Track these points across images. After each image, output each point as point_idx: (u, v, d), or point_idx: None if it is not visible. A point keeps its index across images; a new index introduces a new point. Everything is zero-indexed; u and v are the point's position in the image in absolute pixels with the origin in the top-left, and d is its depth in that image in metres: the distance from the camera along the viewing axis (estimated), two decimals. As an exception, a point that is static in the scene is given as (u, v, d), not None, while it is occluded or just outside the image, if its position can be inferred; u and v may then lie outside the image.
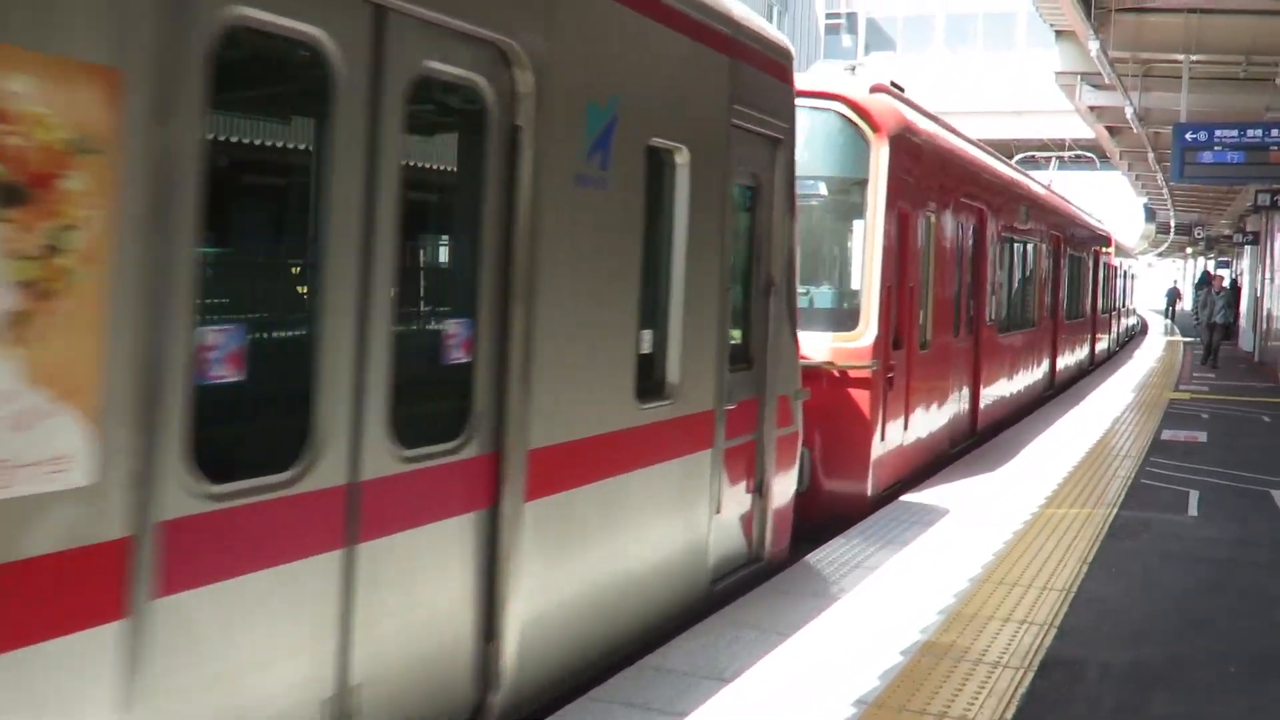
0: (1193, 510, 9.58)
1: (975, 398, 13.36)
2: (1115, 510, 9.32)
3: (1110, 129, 26.74)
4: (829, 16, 52.95)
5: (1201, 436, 14.13)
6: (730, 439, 6.38)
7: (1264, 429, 15.45)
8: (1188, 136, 16.91)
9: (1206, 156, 16.82)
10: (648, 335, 5.62)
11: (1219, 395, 19.68)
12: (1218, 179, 18.77)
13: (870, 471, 9.25)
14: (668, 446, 5.69)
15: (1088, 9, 15.83)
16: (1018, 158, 29.37)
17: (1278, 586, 7.27)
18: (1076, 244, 22.06)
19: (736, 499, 6.60)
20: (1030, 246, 16.85)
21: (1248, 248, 34.47)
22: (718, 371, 6.22)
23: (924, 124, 11.01)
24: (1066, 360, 21.50)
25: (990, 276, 13.64)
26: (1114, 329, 32.67)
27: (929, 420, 11.11)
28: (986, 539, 8.00)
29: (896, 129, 9.75)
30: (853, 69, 10.30)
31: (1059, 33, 20.37)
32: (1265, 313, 28.95)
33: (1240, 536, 8.66)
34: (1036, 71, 32.54)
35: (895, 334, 9.73)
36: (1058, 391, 19.77)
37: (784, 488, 7.19)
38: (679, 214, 5.86)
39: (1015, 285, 15.94)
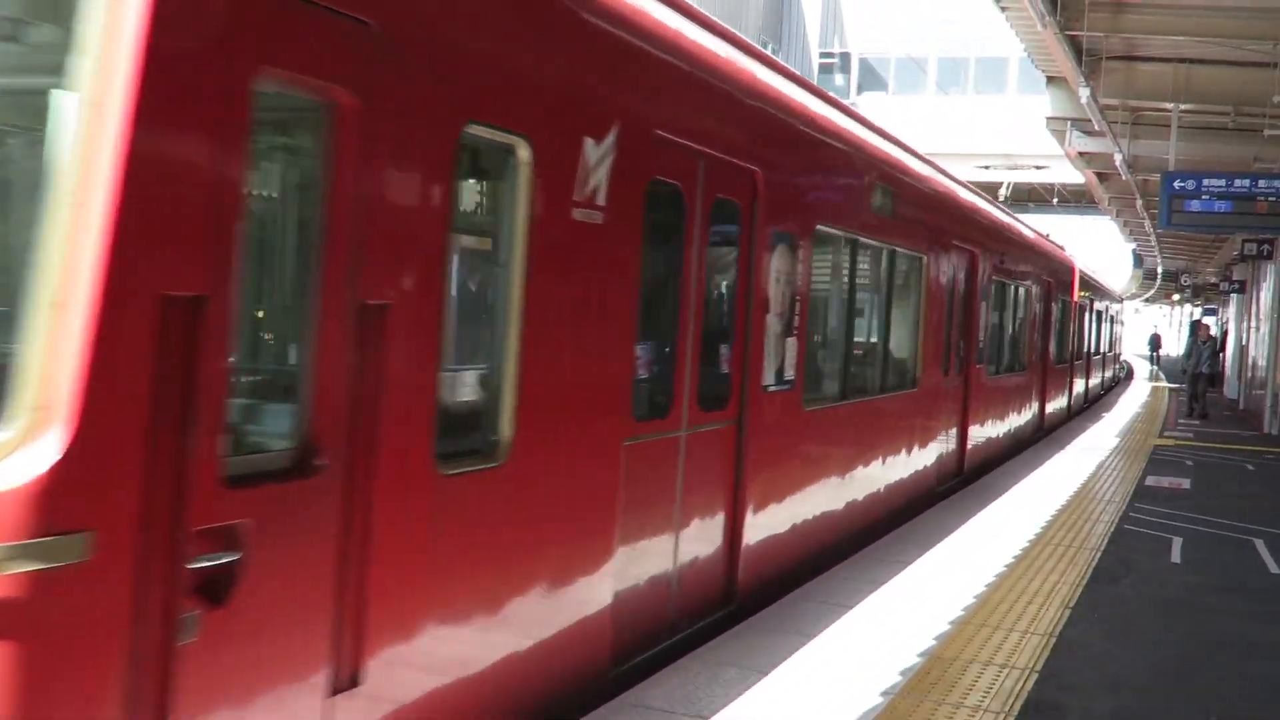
0: (1175, 557, 9.57)
1: (730, 533, 6.75)
2: (1098, 555, 9.31)
3: (1099, 175, 26.93)
4: (822, 55, 53.29)
5: (1185, 483, 14.15)
6: None
7: (1248, 477, 15.48)
8: (1176, 185, 17.02)
9: (1194, 205, 16.93)
10: None
11: (1203, 442, 19.73)
12: (1205, 227, 18.91)
13: None
14: None
15: (1079, 56, 15.97)
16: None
17: (1259, 636, 7.26)
18: (1013, 272, 15.81)
19: None
20: (902, 260, 10.46)
21: (1234, 296, 34.64)
22: None
23: None
24: (992, 429, 14.97)
25: (778, 305, 7.14)
26: (1080, 383, 26.05)
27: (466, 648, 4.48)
28: None
29: None
30: None
31: (1050, 78, 20.52)
32: (1250, 361, 29.08)
33: (1223, 584, 8.65)
34: (1027, 116, 32.74)
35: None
36: (972, 478, 13.70)
37: None
38: None
39: (861, 322, 9.76)
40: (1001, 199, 22.42)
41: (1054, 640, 6.71)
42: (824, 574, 8.09)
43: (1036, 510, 11.26)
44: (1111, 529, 10.55)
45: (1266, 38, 14.93)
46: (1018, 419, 17.11)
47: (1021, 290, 16.88)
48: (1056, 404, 21.62)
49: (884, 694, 5.56)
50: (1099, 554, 9.35)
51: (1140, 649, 6.75)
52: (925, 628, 6.78)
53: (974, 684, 5.81)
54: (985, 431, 14.53)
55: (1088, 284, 26.41)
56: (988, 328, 14.26)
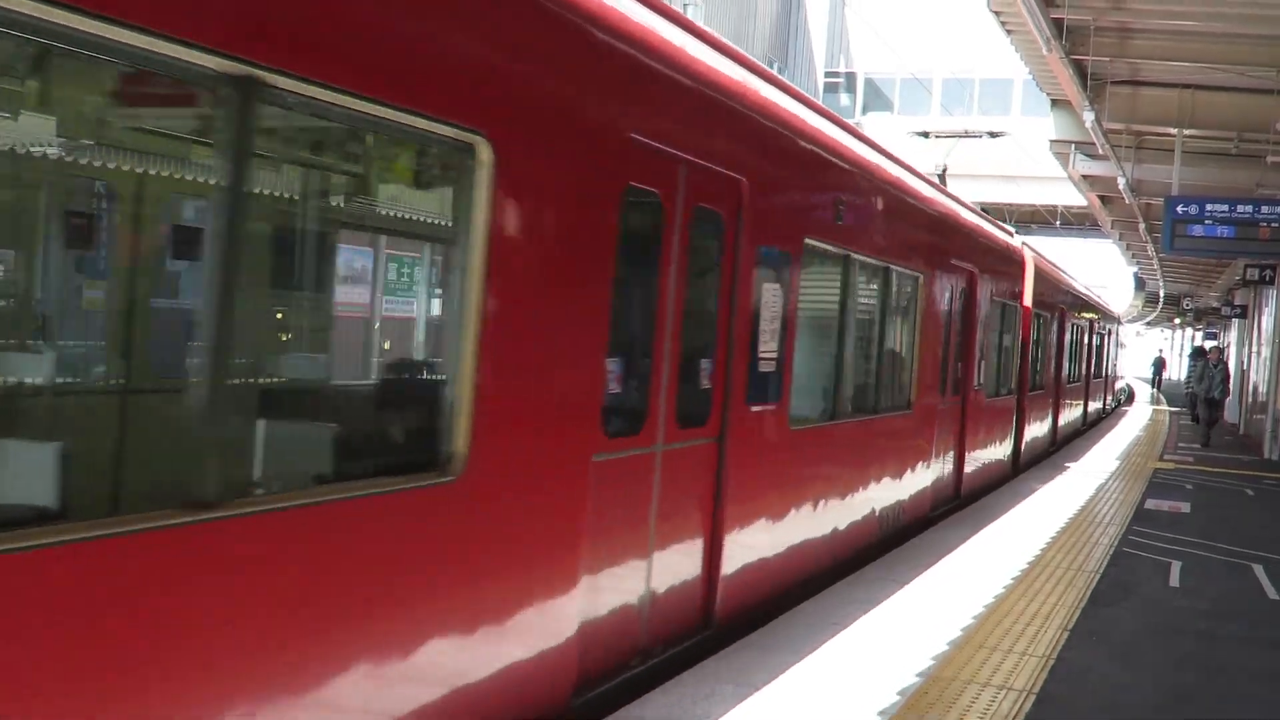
0: (1174, 581, 9.56)
1: None
2: (1097, 578, 9.30)
3: (1103, 198, 26.99)
4: (828, 75, 53.44)
5: (1185, 507, 14.13)
6: None
7: (1248, 502, 15.47)
8: (1179, 209, 17.06)
9: (1197, 229, 16.97)
10: None
11: (1204, 466, 19.71)
12: (1207, 252, 18.97)
13: None
14: None
15: (1084, 80, 16.03)
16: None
17: (1256, 661, 7.25)
18: (875, 242, 9.32)
19: None
20: (423, 157, 4.95)
21: (1235, 320, 34.67)
22: None
23: None
24: (807, 524, 8.14)
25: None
26: (1038, 423, 19.50)
27: None
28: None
29: None
30: None
31: (1055, 101, 20.59)
32: (1250, 386, 29.08)
33: (1221, 609, 8.64)
34: (1031, 138, 32.70)
35: None
36: (751, 627, 7.09)
37: None
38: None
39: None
40: (938, 171, 15.72)
41: (1052, 662, 6.71)
42: (818, 594, 8.08)
43: (1035, 532, 11.25)
44: (1111, 551, 10.54)
45: (1270, 65, 14.99)
46: (891, 492, 10.36)
47: (901, 278, 10.41)
48: (988, 454, 14.87)
49: (881, 713, 5.56)
50: (1098, 576, 9.34)
51: (1138, 672, 6.75)
52: (922, 648, 6.78)
53: (971, 705, 5.81)
54: (780, 535, 7.64)
55: (1052, 285, 19.97)
56: (801, 334, 7.75)
